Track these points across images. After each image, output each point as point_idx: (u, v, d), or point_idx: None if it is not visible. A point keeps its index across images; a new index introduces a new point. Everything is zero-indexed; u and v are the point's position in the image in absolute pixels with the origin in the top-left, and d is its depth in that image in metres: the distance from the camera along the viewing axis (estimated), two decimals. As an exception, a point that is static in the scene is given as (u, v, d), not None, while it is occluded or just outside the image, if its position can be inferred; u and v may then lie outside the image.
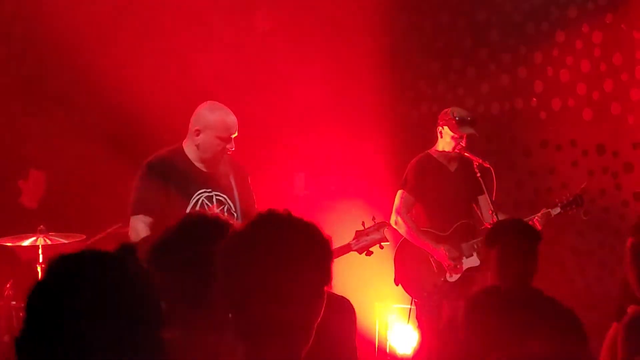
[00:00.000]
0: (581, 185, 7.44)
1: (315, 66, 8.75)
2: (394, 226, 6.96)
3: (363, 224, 5.86)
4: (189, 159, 5.59)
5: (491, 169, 6.93)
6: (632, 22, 8.00)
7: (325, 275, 2.48)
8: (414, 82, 9.49)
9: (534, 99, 8.75)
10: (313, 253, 2.46)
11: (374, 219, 5.90)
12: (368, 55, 8.89)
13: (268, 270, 2.38)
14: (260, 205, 5.94)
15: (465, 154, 7.01)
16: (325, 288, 2.47)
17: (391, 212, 7.12)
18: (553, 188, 8.48)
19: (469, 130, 7.01)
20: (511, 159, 8.84)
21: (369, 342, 8.13)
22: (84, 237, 7.16)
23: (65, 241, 7.01)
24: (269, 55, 8.68)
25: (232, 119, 5.59)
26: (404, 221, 7.00)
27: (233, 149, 5.57)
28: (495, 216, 6.73)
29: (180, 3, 8.34)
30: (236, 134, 5.58)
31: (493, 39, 9.04)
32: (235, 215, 5.64)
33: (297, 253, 2.42)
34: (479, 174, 6.91)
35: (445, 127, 7.06)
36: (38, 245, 6.87)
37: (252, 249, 2.41)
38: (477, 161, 6.94)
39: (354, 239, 5.88)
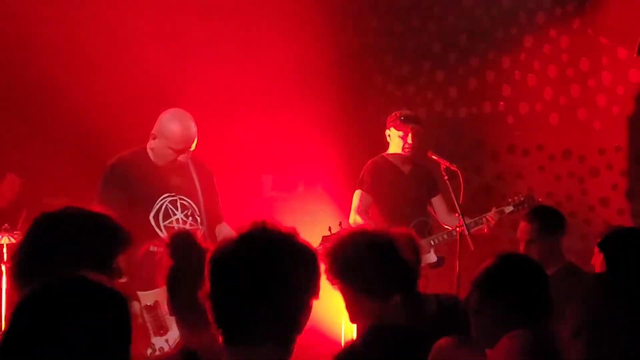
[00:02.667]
0: (547, 190, 7.51)
1: (284, 68, 8.73)
2: (354, 225, 6.97)
3: (330, 229, 5.85)
4: (151, 162, 5.53)
5: (458, 172, 6.95)
6: (599, 27, 8.05)
7: (314, 290, 2.58)
8: (384, 85, 9.51)
9: (502, 103, 8.79)
10: (303, 270, 2.56)
11: (340, 224, 5.90)
12: (338, 58, 8.89)
13: (259, 285, 2.47)
14: (227, 207, 5.91)
15: (433, 156, 7.03)
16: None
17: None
18: (520, 192, 8.51)
19: (413, 124, 7.07)
20: (479, 163, 8.87)
21: (335, 343, 8.12)
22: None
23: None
24: (236, 57, 8.64)
25: (188, 133, 5.49)
26: (363, 220, 7.02)
27: (185, 161, 5.50)
28: (461, 219, 6.74)
29: (143, 7, 8.27)
30: (193, 148, 5.51)
31: (462, 43, 9.07)
32: (199, 219, 5.60)
33: (287, 270, 2.51)
34: (446, 177, 6.93)
35: (392, 129, 7.13)
36: (2, 244, 6.80)
37: (244, 265, 2.50)
38: (444, 164, 6.96)
39: (320, 244, 5.87)
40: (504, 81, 8.78)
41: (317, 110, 8.73)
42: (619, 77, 8.06)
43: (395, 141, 7.14)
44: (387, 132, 7.20)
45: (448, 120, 8.45)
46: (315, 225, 6.33)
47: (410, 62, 9.40)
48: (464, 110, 9.05)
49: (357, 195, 7.18)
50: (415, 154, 7.16)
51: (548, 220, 5.98)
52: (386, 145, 7.26)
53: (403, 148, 7.10)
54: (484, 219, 7.00)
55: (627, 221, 7.73)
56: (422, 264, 6.93)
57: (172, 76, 7.90)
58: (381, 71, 9.50)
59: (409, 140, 7.06)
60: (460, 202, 6.88)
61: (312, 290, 2.57)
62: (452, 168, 6.96)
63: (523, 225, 5.98)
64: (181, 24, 8.46)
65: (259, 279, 2.47)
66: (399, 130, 7.08)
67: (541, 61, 8.53)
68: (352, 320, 3.85)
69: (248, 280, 2.47)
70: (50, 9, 7.91)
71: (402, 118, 7.10)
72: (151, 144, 5.51)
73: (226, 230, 5.70)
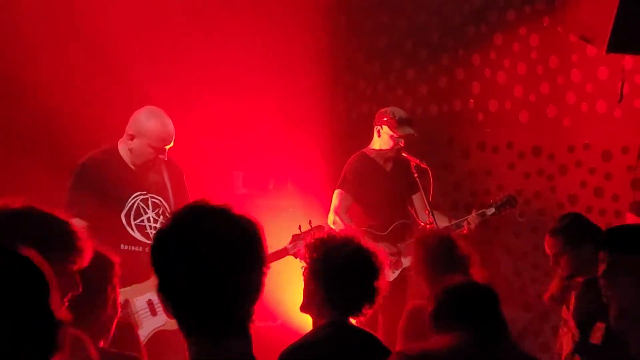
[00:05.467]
0: (516, 188, 7.53)
1: (254, 65, 8.70)
2: (332, 225, 6.96)
3: (300, 227, 5.84)
4: (123, 160, 5.50)
5: (428, 169, 6.96)
6: (568, 25, 8.08)
7: (262, 260, 2.48)
8: (354, 82, 9.51)
9: (472, 101, 8.82)
10: (247, 240, 2.45)
11: (310, 222, 5.90)
12: (308, 55, 8.87)
13: (202, 264, 2.37)
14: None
15: (404, 154, 7.03)
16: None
17: (328, 211, 7.12)
18: (490, 190, 8.55)
19: (409, 131, 7.05)
20: (449, 160, 8.90)
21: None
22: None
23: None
24: (208, 53, 8.60)
25: (167, 130, 5.48)
26: (342, 221, 7.00)
27: (165, 159, 5.49)
28: (431, 216, 6.76)
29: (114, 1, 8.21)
30: (171, 144, 5.49)
31: (433, 40, 9.09)
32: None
33: (230, 243, 2.41)
34: (416, 175, 6.94)
35: (385, 127, 7.08)
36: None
37: (185, 244, 2.40)
38: (414, 162, 6.97)
39: (290, 243, 5.87)
40: (474, 79, 8.80)
41: (287, 108, 8.72)
42: (589, 74, 8.10)
43: (385, 139, 7.10)
44: (378, 127, 7.15)
45: (418, 118, 8.45)
46: (286, 223, 6.33)
47: (381, 59, 9.40)
48: (434, 107, 9.07)
49: (337, 194, 7.16)
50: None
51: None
52: (357, 140, 7.25)
53: (392, 147, 7.08)
54: (464, 223, 7.00)
55: (594, 218, 7.77)
56: (403, 266, 6.96)
57: (141, 71, 7.85)
58: (351, 68, 9.49)
59: (401, 143, 7.05)
60: (430, 200, 6.89)
61: (261, 263, 2.47)
62: (422, 165, 6.97)
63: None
64: (152, 19, 8.40)
65: (200, 257, 2.37)
66: (393, 132, 7.04)
67: (511, 59, 8.56)
68: (304, 310, 3.90)
69: (187, 260, 2.37)
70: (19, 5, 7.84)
71: (398, 119, 7.05)
72: (129, 144, 5.48)
73: None
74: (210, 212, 2.45)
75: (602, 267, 3.33)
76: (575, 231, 5.53)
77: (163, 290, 2.42)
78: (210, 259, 2.37)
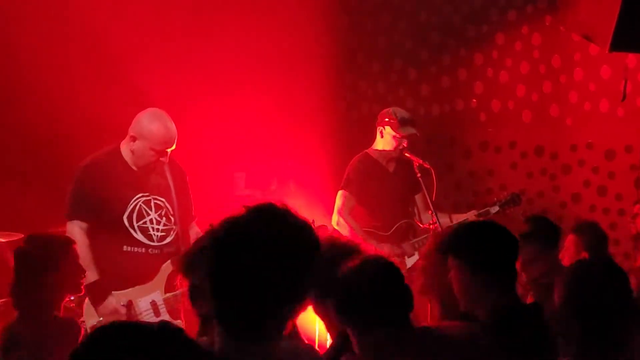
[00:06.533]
0: (519, 187, 7.52)
1: (255, 65, 8.70)
2: (336, 227, 6.93)
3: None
4: (125, 162, 5.48)
5: (431, 169, 6.93)
6: (570, 24, 8.07)
7: (311, 274, 2.50)
8: (355, 82, 9.49)
9: (474, 101, 8.80)
10: (304, 253, 2.48)
11: (313, 222, 5.86)
12: (309, 55, 8.86)
13: (258, 266, 2.38)
14: (200, 206, 5.88)
15: (406, 154, 7.01)
16: None
17: (332, 212, 7.10)
18: (492, 189, 8.53)
19: (411, 131, 7.02)
20: (451, 160, 8.88)
21: (309, 341, 8.09)
22: (22, 236, 7.05)
23: (2, 240, 6.92)
24: (209, 54, 8.60)
25: (170, 133, 5.45)
26: (345, 222, 6.98)
27: (167, 161, 5.47)
28: (434, 216, 6.74)
29: (114, 2, 8.20)
30: (173, 147, 5.48)
31: (434, 40, 9.07)
32: (173, 219, 5.56)
33: (287, 252, 2.43)
34: (419, 175, 6.92)
35: (387, 127, 7.05)
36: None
37: (250, 247, 2.41)
38: (417, 162, 6.94)
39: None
40: (476, 79, 8.79)
41: (289, 108, 8.70)
42: (591, 73, 8.09)
43: (388, 139, 7.06)
44: (380, 128, 7.12)
45: (420, 118, 8.43)
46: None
47: (382, 60, 9.39)
48: (437, 108, 9.05)
49: (340, 195, 7.13)
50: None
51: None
52: (358, 141, 7.23)
53: (395, 147, 7.05)
54: (465, 219, 6.99)
55: (598, 217, 7.76)
56: (407, 267, 6.94)
57: (144, 72, 7.84)
58: (352, 69, 9.47)
59: (404, 143, 7.02)
60: (433, 200, 6.87)
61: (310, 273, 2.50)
62: (425, 166, 6.94)
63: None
64: (154, 20, 8.40)
65: (270, 262, 2.39)
66: (396, 132, 7.01)
67: (513, 58, 8.55)
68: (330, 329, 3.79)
69: (246, 262, 2.39)
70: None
71: (400, 119, 7.02)
72: (131, 145, 5.46)
73: (195, 231, 5.68)
74: (277, 216, 2.48)
75: None
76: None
77: (215, 291, 2.44)
78: (267, 264, 2.39)
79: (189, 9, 8.59)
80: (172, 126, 5.47)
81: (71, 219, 5.41)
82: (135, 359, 1.81)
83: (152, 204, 5.51)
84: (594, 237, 6.26)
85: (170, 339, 1.87)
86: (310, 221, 5.95)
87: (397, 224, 7.05)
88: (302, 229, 2.51)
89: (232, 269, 2.40)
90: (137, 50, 8.02)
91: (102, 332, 1.87)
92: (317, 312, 3.65)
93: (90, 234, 5.35)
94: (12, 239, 7.05)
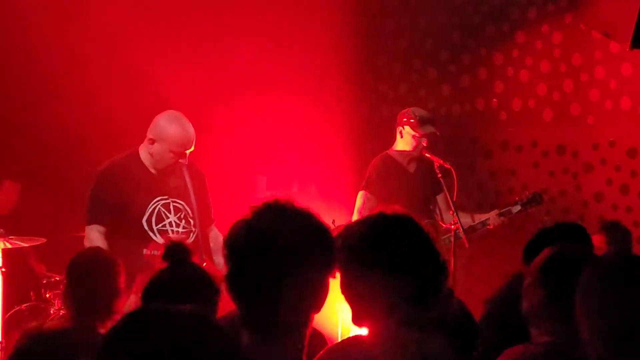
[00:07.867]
0: (541, 187, 7.49)
1: (275, 68, 8.71)
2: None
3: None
4: (144, 165, 5.50)
5: (452, 169, 6.91)
6: (591, 22, 8.03)
7: (330, 266, 2.53)
8: (376, 84, 9.48)
9: (495, 100, 8.78)
10: (317, 245, 2.52)
11: (333, 222, 5.86)
12: (329, 57, 8.86)
13: (275, 265, 2.42)
14: (220, 209, 5.89)
15: (427, 154, 6.99)
16: None
17: (352, 213, 7.09)
18: (514, 189, 8.50)
19: (430, 129, 7.01)
20: (472, 160, 8.85)
21: (332, 342, 8.08)
22: (44, 240, 7.10)
23: (25, 244, 6.96)
24: (230, 56, 8.62)
25: (188, 134, 5.46)
26: (365, 223, 6.96)
27: (186, 163, 5.48)
28: (456, 216, 6.72)
29: (131, 5, 8.23)
30: (192, 149, 5.48)
31: (454, 40, 9.05)
32: (192, 222, 5.57)
33: (301, 246, 2.48)
34: (439, 175, 6.90)
35: (406, 127, 7.04)
36: (-1, 249, 6.78)
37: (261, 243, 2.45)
38: (437, 162, 6.92)
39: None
40: (497, 78, 8.76)
41: (309, 111, 8.70)
42: (612, 71, 8.05)
43: (408, 140, 7.05)
44: (400, 128, 7.11)
45: (441, 118, 8.41)
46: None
47: (402, 60, 9.38)
48: (457, 107, 9.03)
49: (360, 196, 7.13)
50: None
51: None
52: (380, 142, 7.22)
53: (414, 147, 7.04)
54: (489, 221, 6.98)
55: (621, 216, 7.72)
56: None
57: (163, 75, 7.87)
58: (373, 71, 9.46)
59: (424, 143, 7.01)
60: (454, 200, 6.85)
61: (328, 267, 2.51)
62: (446, 166, 6.93)
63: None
64: (172, 24, 8.43)
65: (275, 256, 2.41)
66: (415, 131, 7.00)
67: (534, 57, 8.52)
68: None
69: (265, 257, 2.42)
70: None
71: (419, 118, 7.01)
72: (149, 148, 5.47)
73: (215, 234, 5.69)
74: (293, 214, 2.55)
75: None
76: None
77: (233, 282, 2.46)
78: (285, 259, 2.43)
79: (211, 12, 8.61)
80: (190, 128, 5.48)
81: (90, 223, 5.43)
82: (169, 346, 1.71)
83: (171, 207, 5.52)
84: (618, 234, 6.25)
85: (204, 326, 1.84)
86: (331, 221, 5.96)
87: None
88: (316, 228, 2.56)
89: (247, 270, 2.40)
90: (156, 53, 8.05)
91: (135, 316, 1.75)
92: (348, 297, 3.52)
93: (110, 238, 5.37)
94: (35, 243, 7.10)
